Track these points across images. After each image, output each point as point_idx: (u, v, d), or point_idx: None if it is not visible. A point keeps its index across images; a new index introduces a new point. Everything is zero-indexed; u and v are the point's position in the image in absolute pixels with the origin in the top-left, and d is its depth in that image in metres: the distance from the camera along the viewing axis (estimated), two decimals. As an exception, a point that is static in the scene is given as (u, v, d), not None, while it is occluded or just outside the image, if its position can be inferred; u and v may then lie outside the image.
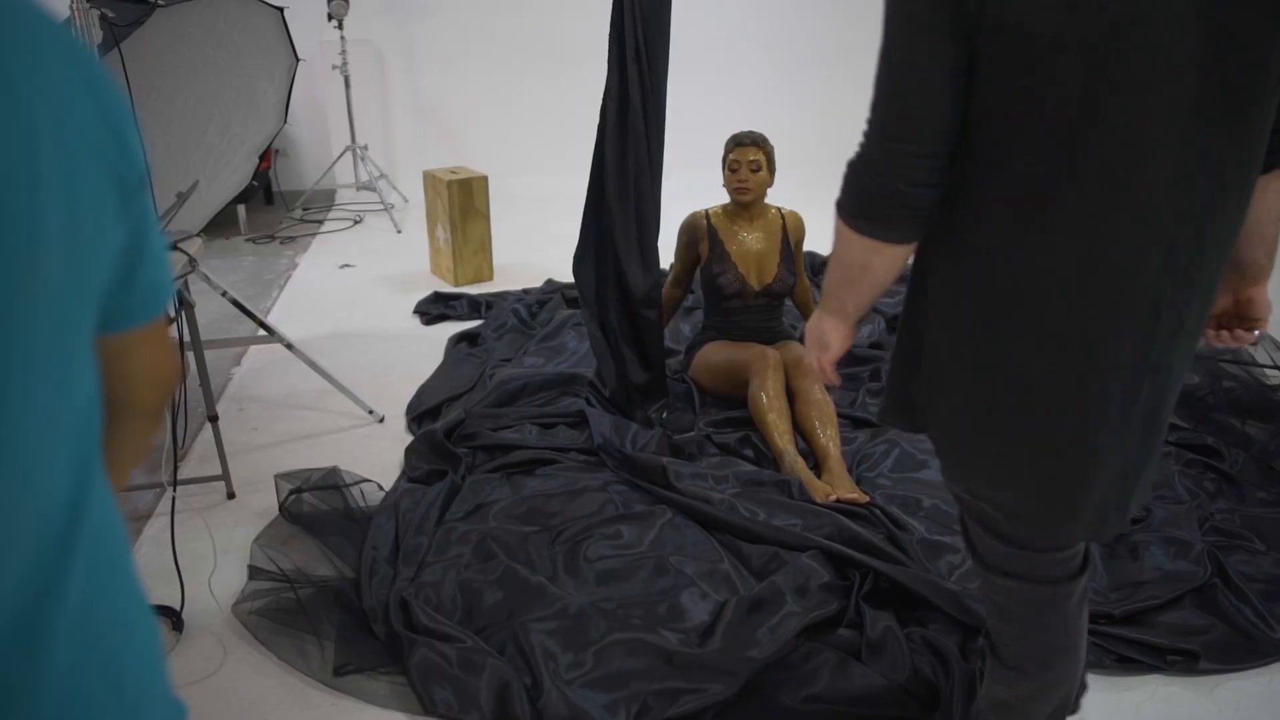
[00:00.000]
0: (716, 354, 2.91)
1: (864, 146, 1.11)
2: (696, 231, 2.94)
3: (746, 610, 1.94)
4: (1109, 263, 1.05)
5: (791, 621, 1.90)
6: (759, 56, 6.53)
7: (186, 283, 2.34)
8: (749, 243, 2.91)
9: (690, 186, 6.07)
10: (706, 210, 2.98)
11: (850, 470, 2.54)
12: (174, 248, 2.17)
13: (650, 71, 2.63)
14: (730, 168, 2.85)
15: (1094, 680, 1.71)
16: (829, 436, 2.59)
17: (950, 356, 1.19)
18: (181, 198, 1.94)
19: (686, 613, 1.98)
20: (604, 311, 2.82)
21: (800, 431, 2.66)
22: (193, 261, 2.11)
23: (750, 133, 2.85)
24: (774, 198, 3.00)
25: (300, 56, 3.48)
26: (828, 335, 1.34)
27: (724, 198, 3.01)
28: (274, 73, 3.34)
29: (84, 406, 0.66)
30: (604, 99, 2.66)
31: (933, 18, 1.01)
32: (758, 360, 2.73)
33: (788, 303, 3.08)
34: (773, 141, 2.92)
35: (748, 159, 2.82)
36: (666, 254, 2.96)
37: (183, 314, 2.33)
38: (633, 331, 2.84)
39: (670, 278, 3.05)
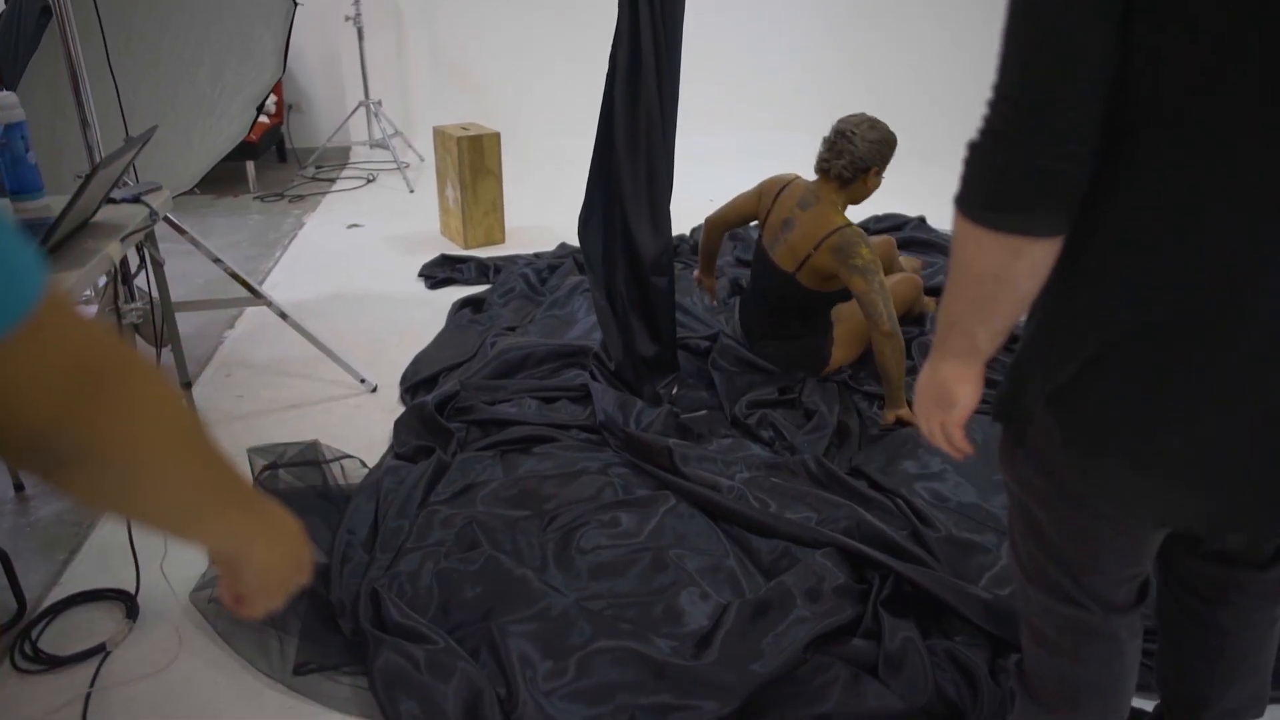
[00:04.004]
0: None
1: (992, 118, 0.86)
2: None
3: (751, 615, 1.74)
4: None
5: (800, 629, 1.70)
6: (789, 8, 6.19)
7: (155, 239, 2.16)
8: None
9: (708, 150, 5.80)
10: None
11: (872, 461, 2.33)
12: (137, 200, 1.98)
13: (665, 15, 2.39)
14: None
15: None
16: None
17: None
18: (130, 143, 1.75)
19: (684, 615, 1.78)
20: (611, 278, 2.61)
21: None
22: (153, 215, 1.92)
23: None
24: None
25: (298, 1, 3.27)
26: (951, 388, 1.05)
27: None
28: (269, 17, 3.14)
29: None
30: (613, 44, 2.43)
31: None
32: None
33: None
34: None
35: None
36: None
37: (151, 272, 2.15)
38: (642, 300, 2.62)
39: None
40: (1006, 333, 0.99)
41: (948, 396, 1.06)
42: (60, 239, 1.63)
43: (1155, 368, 0.89)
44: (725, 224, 2.80)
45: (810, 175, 2.60)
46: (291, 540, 0.71)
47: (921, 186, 4.29)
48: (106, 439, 0.49)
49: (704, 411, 2.50)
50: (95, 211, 1.80)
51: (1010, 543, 1.19)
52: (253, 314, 3.35)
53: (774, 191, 2.62)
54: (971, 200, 0.90)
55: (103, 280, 2.61)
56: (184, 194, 3.50)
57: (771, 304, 2.69)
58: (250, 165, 5.05)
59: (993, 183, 0.88)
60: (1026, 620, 1.20)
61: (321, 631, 1.79)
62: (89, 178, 1.48)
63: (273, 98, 5.32)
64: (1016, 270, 0.90)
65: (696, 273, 2.96)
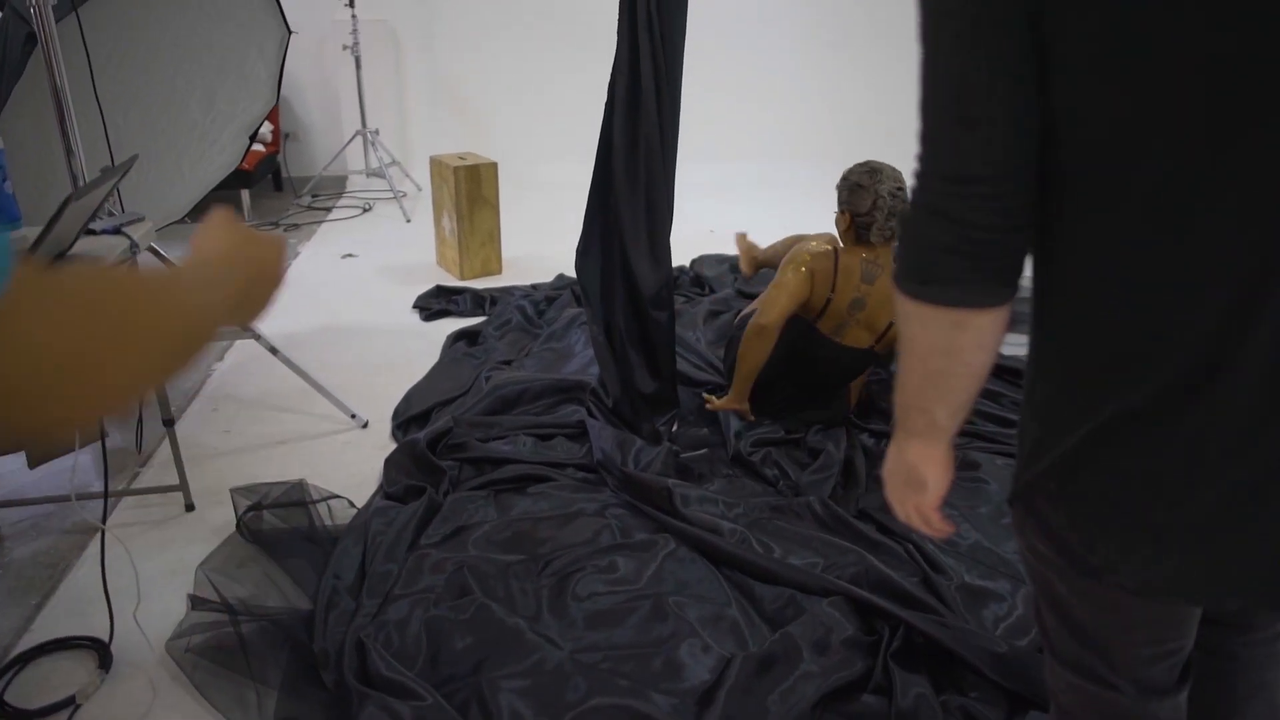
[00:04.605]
0: None
1: (918, 191, 0.82)
2: None
3: (755, 670, 1.65)
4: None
5: (808, 686, 1.61)
6: (790, 34, 6.18)
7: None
8: None
9: (708, 179, 5.77)
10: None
11: (879, 502, 2.24)
12: (118, 231, 1.91)
13: (665, 44, 2.34)
14: None
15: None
16: None
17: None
18: (107, 173, 1.69)
19: (684, 670, 1.69)
20: (609, 311, 2.54)
21: None
22: (134, 247, 1.85)
23: None
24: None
25: (292, 29, 3.23)
26: (919, 470, 0.98)
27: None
28: (263, 45, 3.10)
29: None
30: (613, 73, 2.38)
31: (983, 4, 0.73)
32: None
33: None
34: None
35: None
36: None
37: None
38: (641, 334, 2.55)
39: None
40: (967, 407, 0.93)
41: (917, 479, 1.00)
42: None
43: (1145, 444, 0.83)
44: (784, 322, 2.44)
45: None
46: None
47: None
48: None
49: (704, 450, 2.42)
50: (73, 243, 1.73)
51: (1035, 614, 1.10)
52: (242, 346, 3.28)
53: (827, 273, 2.38)
54: (908, 275, 0.85)
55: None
56: (176, 223, 3.44)
57: (821, 381, 2.59)
58: (245, 194, 5.00)
59: (924, 256, 0.83)
60: (1054, 698, 1.12)
61: (302, 684, 1.70)
62: (61, 208, 1.42)
63: (269, 126, 5.29)
64: (962, 343, 0.86)
65: (729, 401, 2.54)
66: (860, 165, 2.38)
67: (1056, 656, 1.06)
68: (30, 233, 1.76)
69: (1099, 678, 1.02)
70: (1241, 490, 0.81)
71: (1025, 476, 0.95)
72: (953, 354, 0.87)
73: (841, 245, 2.45)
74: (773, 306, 2.40)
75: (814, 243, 2.46)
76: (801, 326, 2.45)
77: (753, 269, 3.28)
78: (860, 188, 2.31)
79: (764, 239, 3.31)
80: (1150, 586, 0.90)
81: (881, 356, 2.48)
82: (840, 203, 2.39)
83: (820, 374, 2.55)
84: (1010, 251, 0.81)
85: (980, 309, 0.83)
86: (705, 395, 2.62)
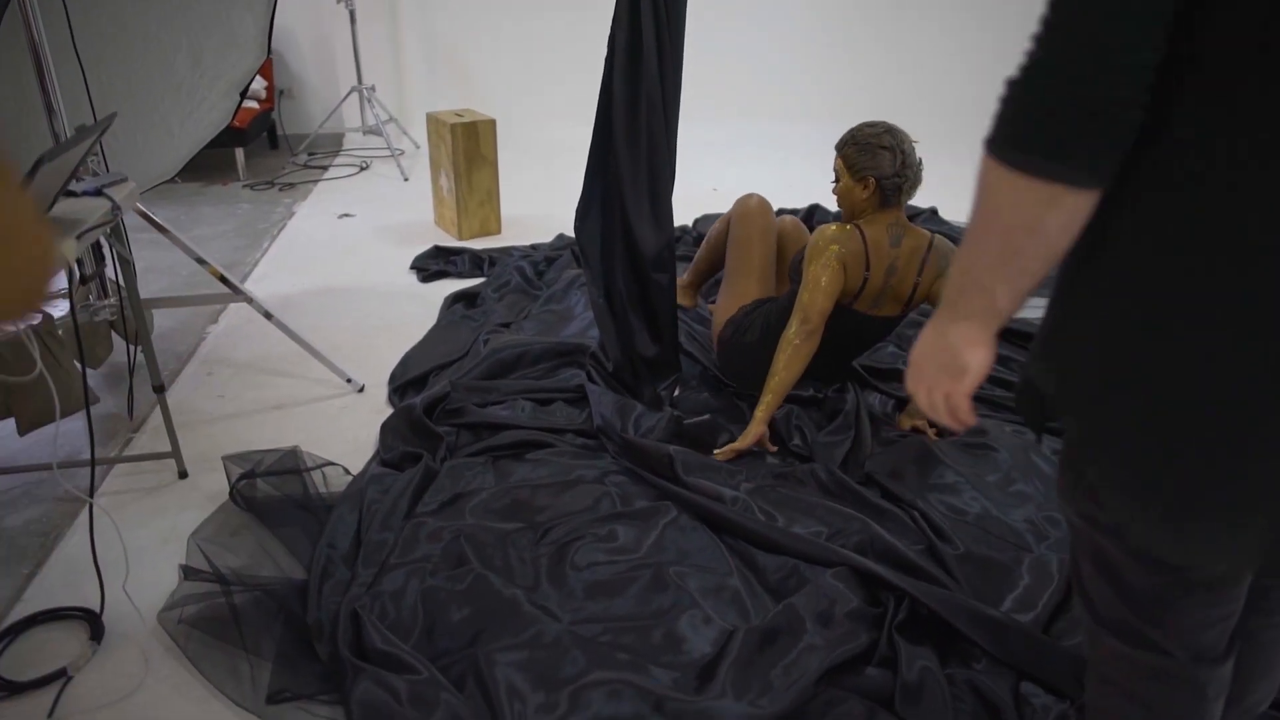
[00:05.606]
0: None
1: (1039, 51, 0.76)
2: None
3: (758, 643, 1.62)
4: None
5: (811, 659, 1.58)
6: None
7: (124, 234, 2.02)
8: None
9: (711, 137, 5.67)
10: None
11: (885, 467, 2.20)
12: (99, 193, 1.85)
13: (666, -5, 2.25)
14: None
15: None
16: None
17: (1142, 335, 0.84)
18: (83, 132, 1.62)
19: (685, 642, 1.65)
20: (610, 274, 2.47)
21: None
22: (116, 209, 1.79)
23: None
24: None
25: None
26: (961, 354, 0.94)
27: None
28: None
29: None
30: (612, 26, 2.29)
31: None
32: None
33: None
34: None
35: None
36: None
37: (119, 269, 2.02)
38: (642, 297, 2.49)
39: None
40: (1030, 293, 0.88)
41: (957, 362, 0.94)
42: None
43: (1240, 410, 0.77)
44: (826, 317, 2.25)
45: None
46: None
47: (931, 177, 4.16)
48: None
49: (707, 416, 2.37)
50: (51, 206, 1.67)
51: (1077, 583, 1.06)
52: (236, 309, 3.23)
53: (859, 254, 2.21)
54: (1007, 141, 0.79)
55: (78, 276, 2.48)
56: (166, 182, 3.37)
57: (846, 355, 2.48)
58: (240, 152, 4.91)
59: (1034, 121, 0.78)
60: (1097, 668, 1.08)
61: (297, 656, 1.67)
62: (34, 169, 1.35)
63: (262, 82, 5.18)
64: (1050, 222, 0.81)
65: (753, 432, 2.27)
66: (867, 128, 2.22)
67: (1104, 624, 1.03)
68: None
69: (1151, 644, 0.99)
70: None
71: (1080, 448, 0.91)
72: (1036, 232, 0.82)
73: (856, 219, 2.26)
74: (813, 311, 2.18)
75: (832, 228, 2.24)
76: (836, 312, 2.28)
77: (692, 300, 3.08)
78: (883, 149, 2.16)
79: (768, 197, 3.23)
80: (1226, 554, 0.87)
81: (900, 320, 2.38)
82: (857, 170, 2.19)
83: (846, 347, 2.44)
84: (1129, 127, 0.76)
85: (1081, 188, 0.79)
86: (715, 451, 2.26)
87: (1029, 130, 0.78)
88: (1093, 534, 0.95)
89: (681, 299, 2.90)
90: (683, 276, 3.02)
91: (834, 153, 2.36)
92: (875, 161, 2.17)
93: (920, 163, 2.22)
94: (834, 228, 2.24)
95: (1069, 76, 0.74)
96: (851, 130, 2.25)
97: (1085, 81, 0.74)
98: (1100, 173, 0.78)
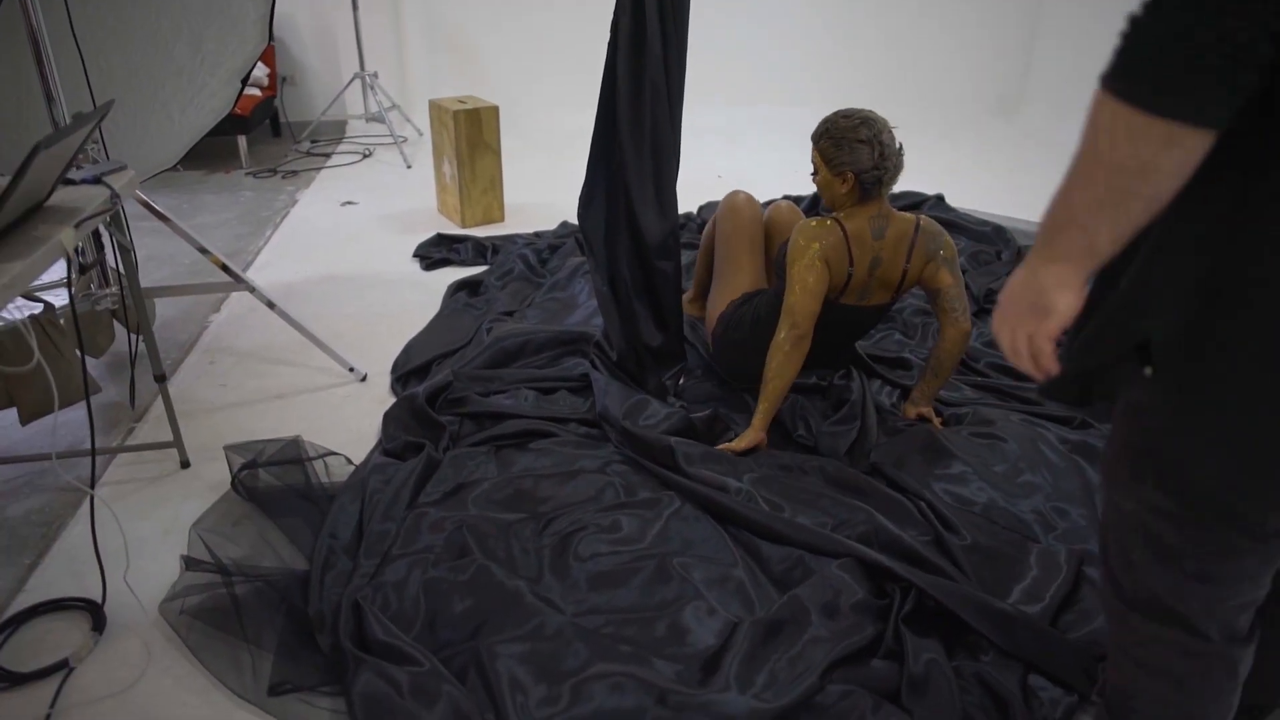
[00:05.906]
0: None
1: None
2: None
3: (763, 635, 1.60)
4: None
5: (817, 651, 1.56)
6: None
7: (124, 223, 2.01)
8: None
9: (716, 122, 5.63)
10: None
11: (891, 457, 2.18)
12: (98, 181, 1.83)
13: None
14: None
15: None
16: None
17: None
18: (79, 119, 1.60)
19: (689, 634, 1.64)
20: (614, 262, 2.45)
21: None
22: (115, 197, 1.77)
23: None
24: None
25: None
26: (1051, 295, 0.92)
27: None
28: (253, -16, 2.97)
29: None
30: (615, 12, 2.26)
31: None
32: None
33: None
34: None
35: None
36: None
37: (119, 258, 2.01)
38: (646, 285, 2.47)
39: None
40: (1130, 238, 0.87)
41: (1045, 303, 0.93)
42: (3, 225, 1.48)
43: None
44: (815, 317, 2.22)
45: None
46: None
47: (935, 164, 4.13)
48: None
49: (710, 410, 2.35)
50: (49, 195, 1.65)
51: (1105, 567, 1.06)
52: (239, 298, 3.21)
53: (841, 249, 2.16)
54: (1128, 74, 0.77)
55: (77, 265, 2.47)
56: (169, 170, 3.35)
57: (839, 345, 2.45)
58: (242, 140, 4.89)
59: (1163, 54, 0.75)
60: (1128, 652, 1.08)
61: (298, 647, 1.66)
62: (29, 157, 1.33)
63: (264, 69, 5.15)
64: (1165, 163, 0.78)
65: (753, 432, 2.25)
66: (842, 119, 2.12)
67: (1141, 610, 1.04)
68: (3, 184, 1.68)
69: (1190, 626, 1.00)
70: None
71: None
72: (1148, 173, 0.80)
73: (837, 212, 2.20)
74: (801, 315, 2.15)
75: (812, 224, 2.18)
76: (824, 309, 2.24)
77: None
78: (861, 142, 2.09)
79: (771, 185, 3.20)
80: None
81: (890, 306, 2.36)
82: (835, 165, 2.12)
83: (840, 339, 2.42)
84: (1256, 65, 0.73)
85: (1201, 127, 0.76)
86: (720, 447, 2.22)
87: (1154, 63, 0.75)
88: (1153, 521, 0.95)
89: (689, 310, 2.89)
90: (687, 291, 2.99)
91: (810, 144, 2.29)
92: (852, 156, 2.10)
93: (900, 150, 2.15)
94: (814, 223, 2.18)
95: (1198, 9, 0.72)
96: (826, 121, 2.16)
97: (1217, 14, 0.71)
98: (1222, 112, 0.75)
